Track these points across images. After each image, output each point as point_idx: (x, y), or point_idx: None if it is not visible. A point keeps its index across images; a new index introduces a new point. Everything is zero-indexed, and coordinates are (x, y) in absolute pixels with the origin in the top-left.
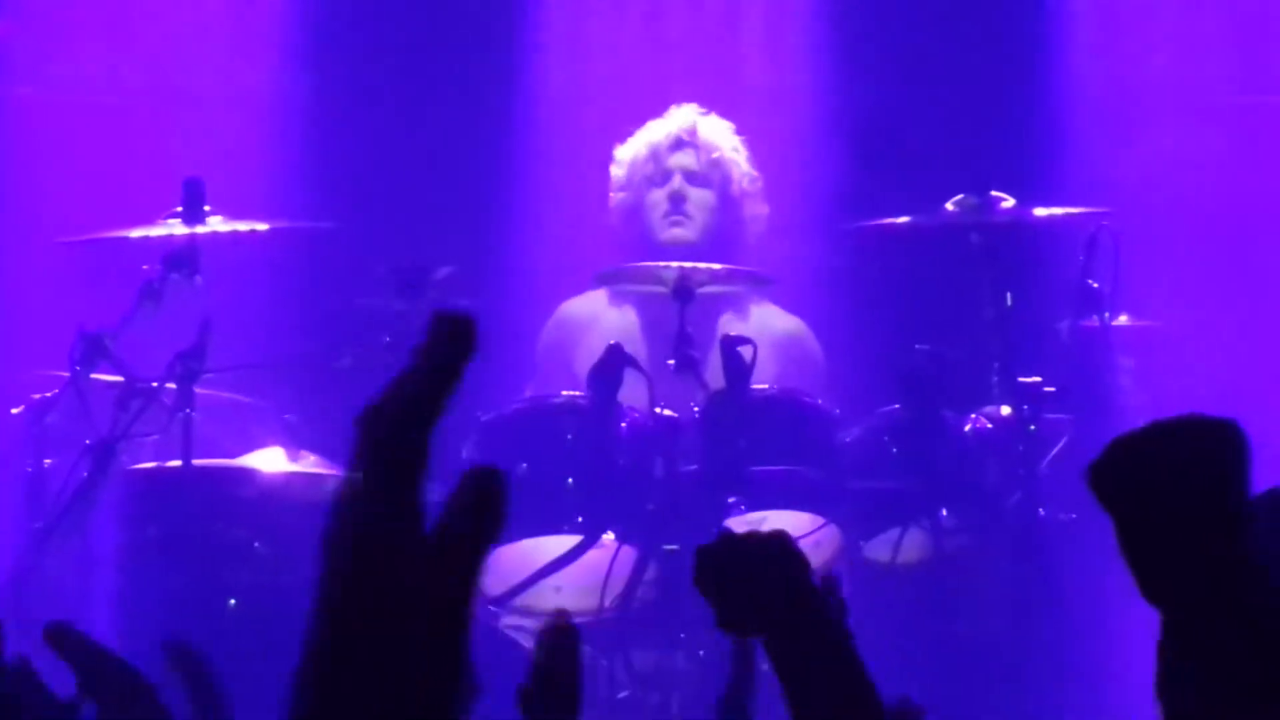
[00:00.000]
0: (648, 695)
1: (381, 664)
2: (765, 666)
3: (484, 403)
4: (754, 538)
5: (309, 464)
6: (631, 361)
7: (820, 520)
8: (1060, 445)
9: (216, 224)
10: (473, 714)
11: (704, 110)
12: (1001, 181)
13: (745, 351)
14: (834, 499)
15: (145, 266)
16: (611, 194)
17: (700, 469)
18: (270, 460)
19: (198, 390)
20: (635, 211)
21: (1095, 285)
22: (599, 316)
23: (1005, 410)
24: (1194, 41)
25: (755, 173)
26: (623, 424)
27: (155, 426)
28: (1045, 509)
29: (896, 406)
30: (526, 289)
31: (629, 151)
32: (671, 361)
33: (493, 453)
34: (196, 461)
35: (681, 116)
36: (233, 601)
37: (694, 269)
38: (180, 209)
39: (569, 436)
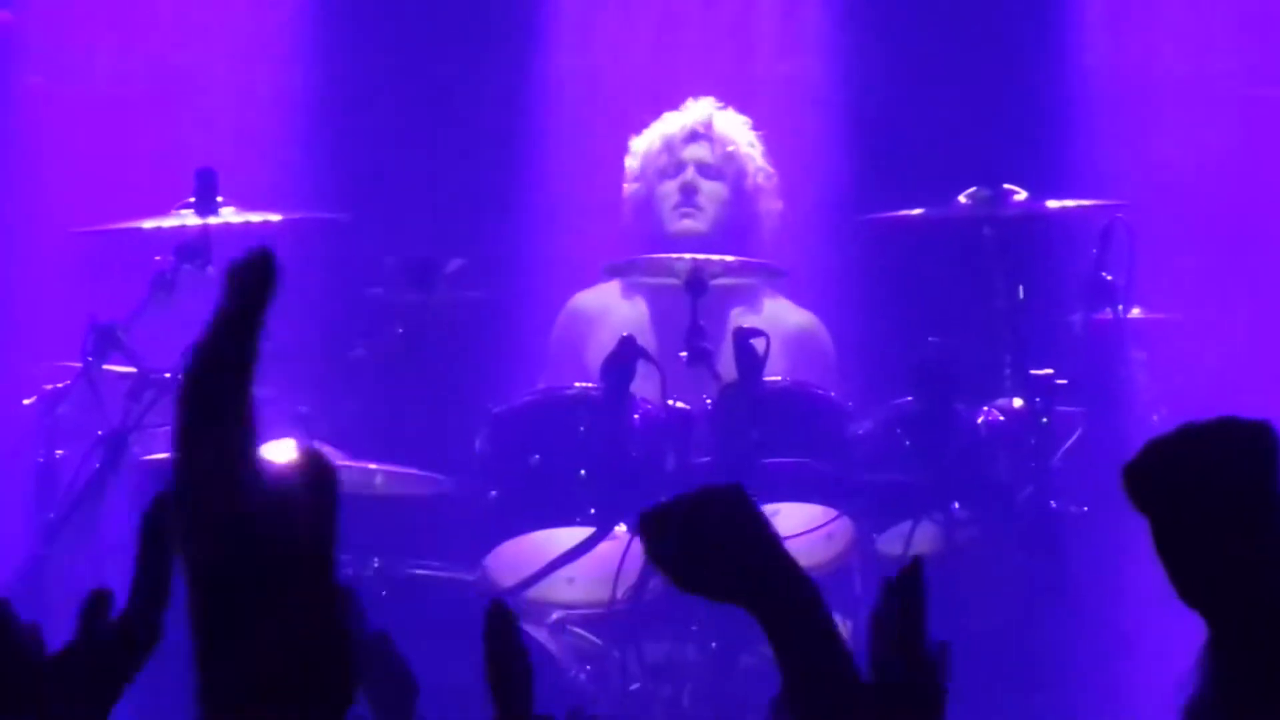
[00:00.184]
0: (659, 687)
1: (252, 619)
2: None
3: (496, 394)
4: (703, 495)
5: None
6: (644, 353)
7: (832, 513)
8: (1073, 438)
9: (229, 215)
10: (415, 713)
11: (721, 104)
12: (1014, 174)
13: (758, 344)
14: (846, 491)
15: (158, 257)
16: (625, 185)
17: (712, 461)
18: (282, 451)
19: None
20: (647, 202)
21: (1108, 278)
22: (610, 309)
23: (1017, 403)
24: (1206, 33)
25: (770, 168)
26: (635, 416)
27: (167, 417)
28: (1057, 502)
29: (909, 399)
30: (537, 281)
31: (643, 143)
32: (684, 354)
33: (505, 445)
34: None
35: (698, 110)
36: None
37: (707, 261)
38: (193, 199)
39: (581, 428)
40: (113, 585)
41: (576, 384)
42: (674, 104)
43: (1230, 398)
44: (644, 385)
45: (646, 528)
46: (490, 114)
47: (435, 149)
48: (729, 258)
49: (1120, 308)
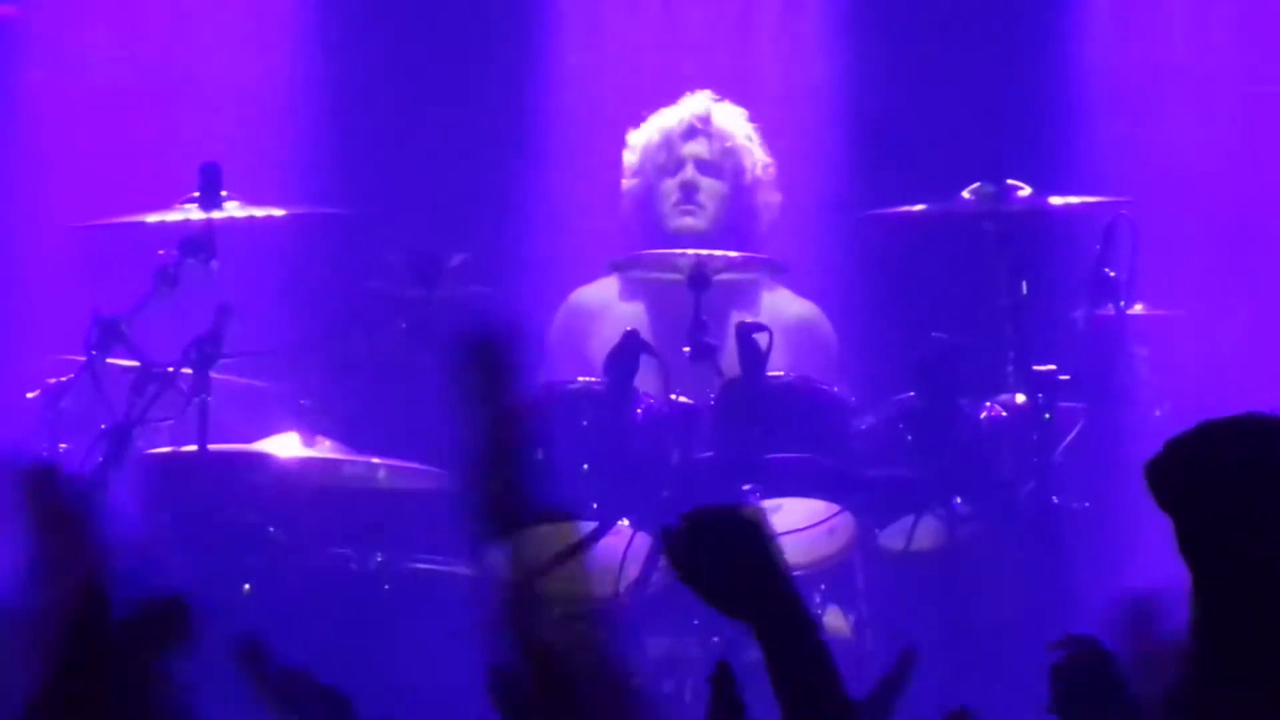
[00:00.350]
0: (661, 682)
1: None
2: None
3: None
4: (723, 515)
5: (324, 449)
6: (647, 348)
7: (835, 508)
8: (1074, 434)
9: (233, 209)
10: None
11: (717, 97)
12: (1018, 170)
13: (761, 339)
14: (849, 486)
15: (161, 251)
16: (623, 180)
17: (715, 456)
18: (285, 445)
19: (213, 375)
20: (646, 199)
21: (1111, 274)
22: (612, 304)
23: (1020, 398)
24: (1210, 30)
25: (769, 159)
26: (638, 411)
27: (171, 411)
28: (1059, 497)
29: (911, 394)
30: (540, 276)
31: (641, 138)
32: (687, 349)
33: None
34: (212, 446)
35: (695, 104)
36: (247, 586)
37: (709, 256)
38: (197, 194)
39: (584, 423)
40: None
41: (580, 378)
42: (677, 99)
43: (1232, 393)
44: (647, 380)
45: (670, 544)
46: (493, 109)
47: (438, 144)
48: (731, 253)
49: (1123, 304)
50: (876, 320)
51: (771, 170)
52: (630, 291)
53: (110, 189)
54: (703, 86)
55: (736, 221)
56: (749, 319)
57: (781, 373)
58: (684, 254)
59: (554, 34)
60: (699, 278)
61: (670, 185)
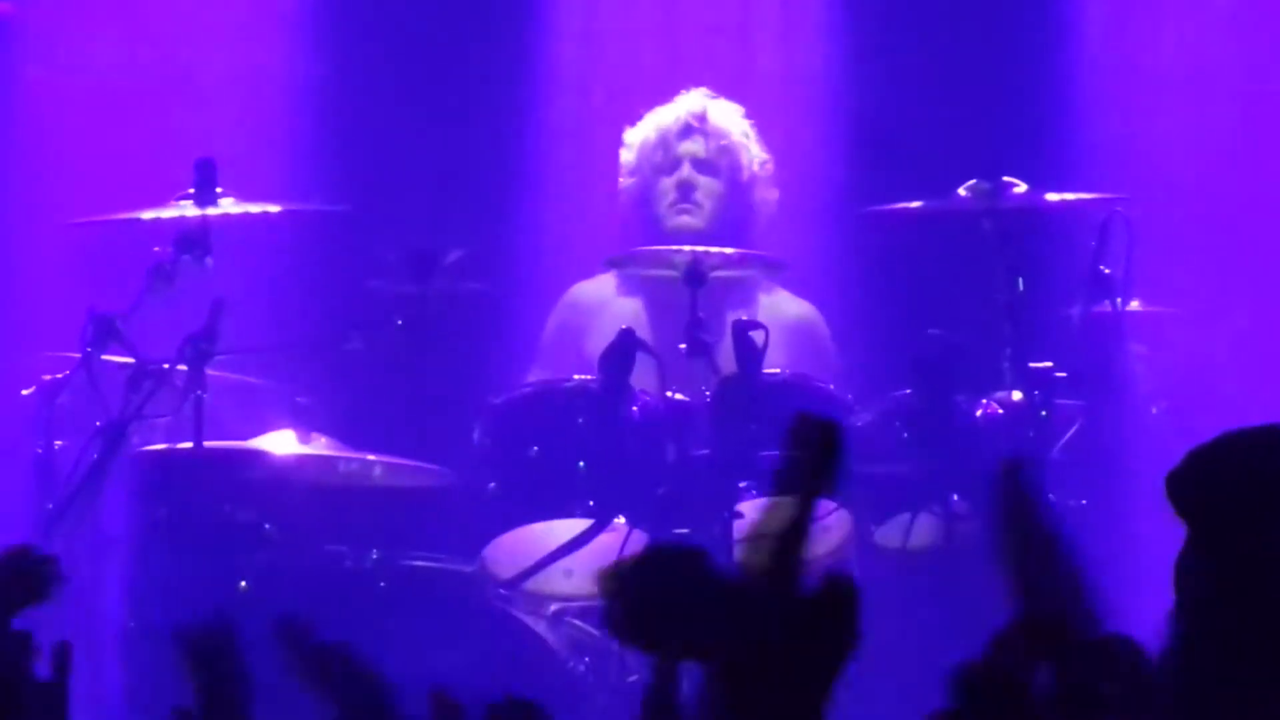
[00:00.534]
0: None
1: None
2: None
3: (495, 386)
4: (669, 553)
5: (320, 446)
6: (643, 346)
7: (831, 505)
8: (1071, 431)
9: (228, 206)
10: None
11: (713, 95)
12: (1014, 167)
13: (757, 336)
14: (845, 483)
15: (157, 248)
16: (620, 178)
17: (711, 453)
18: (281, 442)
19: (209, 372)
20: (643, 197)
21: (1107, 271)
22: (609, 300)
23: (1017, 396)
24: (1206, 28)
25: (765, 155)
26: (634, 408)
27: (166, 408)
28: (1056, 495)
29: (908, 391)
30: (536, 273)
31: (638, 135)
32: (683, 346)
33: (504, 436)
34: (207, 443)
35: (691, 102)
36: (243, 583)
37: (705, 253)
38: (192, 190)
39: (580, 420)
40: (110, 575)
41: (576, 376)
42: (674, 96)
43: (1229, 390)
44: (643, 377)
45: (608, 587)
46: (490, 106)
47: (434, 140)
48: (728, 250)
49: (1119, 301)
50: (873, 317)
51: (768, 167)
52: (627, 288)
53: (106, 185)
54: (700, 83)
55: (733, 219)
56: (745, 316)
57: (778, 370)
58: (680, 251)
59: (551, 30)
60: (695, 275)
61: (667, 184)
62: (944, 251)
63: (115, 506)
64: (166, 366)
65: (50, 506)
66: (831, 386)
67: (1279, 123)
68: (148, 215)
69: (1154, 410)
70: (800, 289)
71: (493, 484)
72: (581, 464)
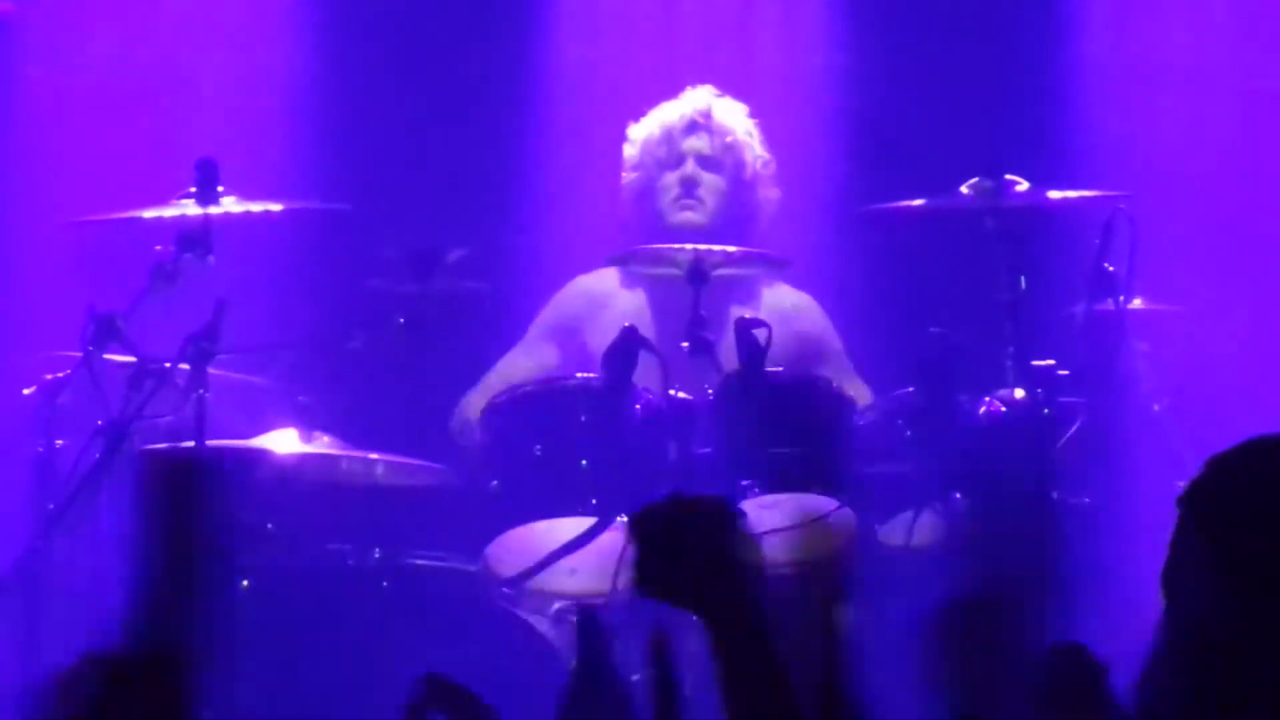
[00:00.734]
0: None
1: None
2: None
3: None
4: (699, 505)
5: (322, 445)
6: (646, 344)
7: (834, 503)
8: (1074, 429)
9: (230, 204)
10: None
11: (718, 92)
12: (1016, 165)
13: (759, 334)
14: (847, 482)
15: (158, 247)
16: (623, 173)
17: (714, 452)
18: (283, 441)
19: (210, 371)
20: (646, 193)
21: (1110, 269)
22: (611, 296)
23: (1019, 394)
24: (1211, 25)
25: (768, 155)
26: (636, 406)
27: (168, 408)
28: (1058, 493)
29: (910, 390)
30: (537, 271)
31: (642, 131)
32: (686, 344)
33: (506, 433)
34: (209, 443)
35: (696, 98)
36: (245, 583)
37: (708, 251)
38: (194, 189)
39: (583, 418)
40: (111, 577)
41: (578, 374)
42: (676, 94)
43: (1232, 389)
44: (645, 375)
45: (640, 529)
46: (492, 104)
47: (435, 139)
48: (730, 248)
49: (1122, 299)
50: (875, 316)
51: (771, 166)
52: (629, 286)
53: (107, 184)
54: (702, 81)
55: (736, 216)
56: (748, 314)
57: (780, 368)
58: (683, 249)
59: (552, 27)
60: (698, 273)
61: (670, 180)
62: (946, 250)
63: (116, 506)
64: (168, 366)
65: (51, 506)
66: (835, 384)
67: None
68: (149, 214)
69: (1156, 408)
70: (802, 287)
71: (495, 482)
72: (584, 462)
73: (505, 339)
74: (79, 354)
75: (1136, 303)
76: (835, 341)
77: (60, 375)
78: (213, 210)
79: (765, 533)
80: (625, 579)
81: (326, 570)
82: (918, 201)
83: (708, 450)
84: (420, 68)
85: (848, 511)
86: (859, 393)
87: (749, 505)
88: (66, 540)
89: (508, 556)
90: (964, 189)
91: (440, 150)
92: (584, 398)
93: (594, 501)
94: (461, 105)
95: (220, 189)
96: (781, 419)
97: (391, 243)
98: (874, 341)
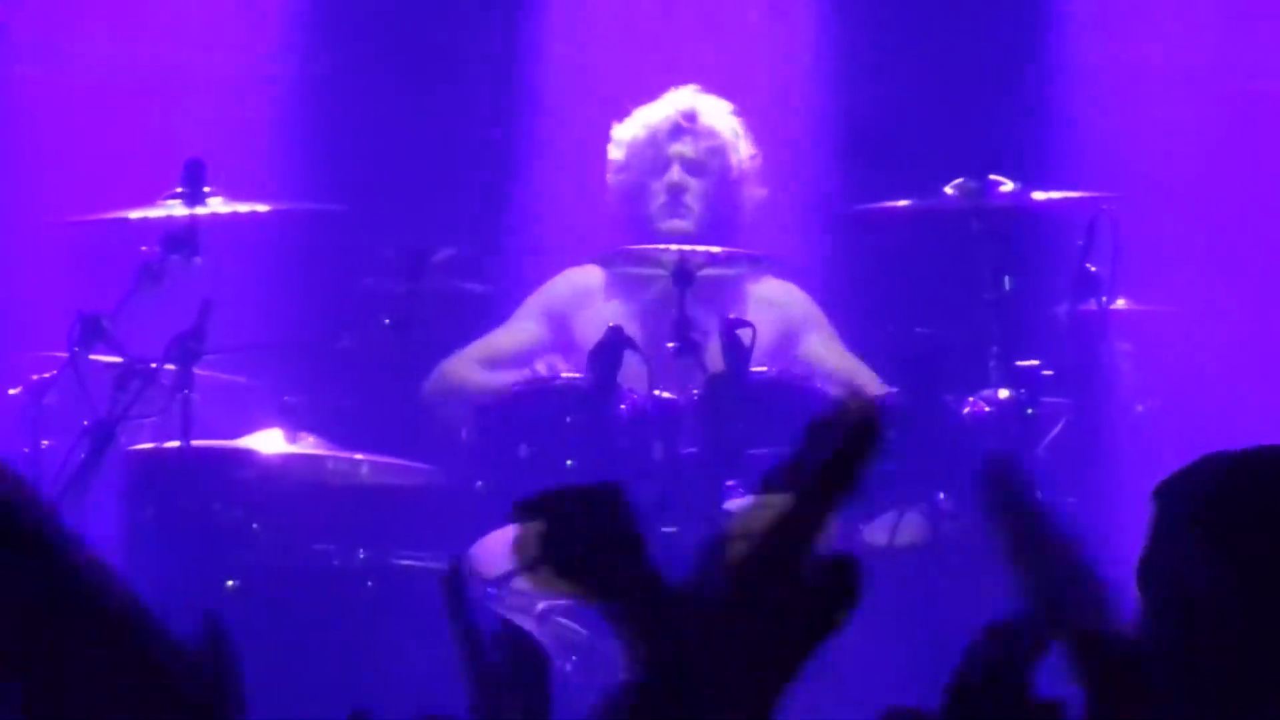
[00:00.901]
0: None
1: None
2: None
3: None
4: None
5: (308, 445)
6: (631, 344)
7: None
8: (1058, 429)
9: (217, 205)
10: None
11: (702, 90)
12: (1001, 166)
13: (745, 335)
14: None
15: (145, 247)
16: (609, 175)
17: (699, 452)
18: (269, 442)
19: (197, 372)
20: (633, 196)
21: (1094, 269)
22: (599, 294)
23: (1003, 394)
24: (1195, 26)
25: (754, 149)
26: (622, 406)
27: (154, 408)
28: (1043, 493)
29: (895, 390)
30: (525, 271)
31: (627, 133)
32: (671, 344)
33: (492, 434)
34: (195, 443)
35: (680, 99)
36: (231, 582)
37: (694, 252)
38: (181, 190)
39: (568, 419)
40: None
41: (564, 374)
42: (665, 91)
43: (1215, 389)
44: (631, 376)
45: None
46: (481, 104)
47: (424, 139)
48: (715, 249)
49: (1106, 299)
50: (860, 316)
51: (757, 161)
52: (615, 286)
53: (94, 185)
54: (689, 80)
55: (722, 217)
56: (734, 314)
57: (765, 368)
58: (668, 250)
59: (542, 28)
60: (683, 273)
61: (658, 186)
62: (931, 250)
63: (102, 506)
64: (154, 366)
65: None
66: (820, 384)
67: (1266, 122)
68: (136, 215)
69: (1140, 409)
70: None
71: (480, 483)
72: (570, 462)
73: None
74: (65, 354)
75: (1120, 303)
76: (823, 321)
77: (46, 375)
78: (199, 211)
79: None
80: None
81: (312, 571)
82: (903, 202)
83: (693, 450)
84: (408, 67)
85: None
86: (855, 368)
87: (734, 506)
88: None
89: (492, 557)
90: (949, 189)
91: (428, 150)
92: (570, 398)
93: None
94: (450, 105)
95: (207, 189)
96: (767, 419)
97: (379, 243)
98: (859, 341)
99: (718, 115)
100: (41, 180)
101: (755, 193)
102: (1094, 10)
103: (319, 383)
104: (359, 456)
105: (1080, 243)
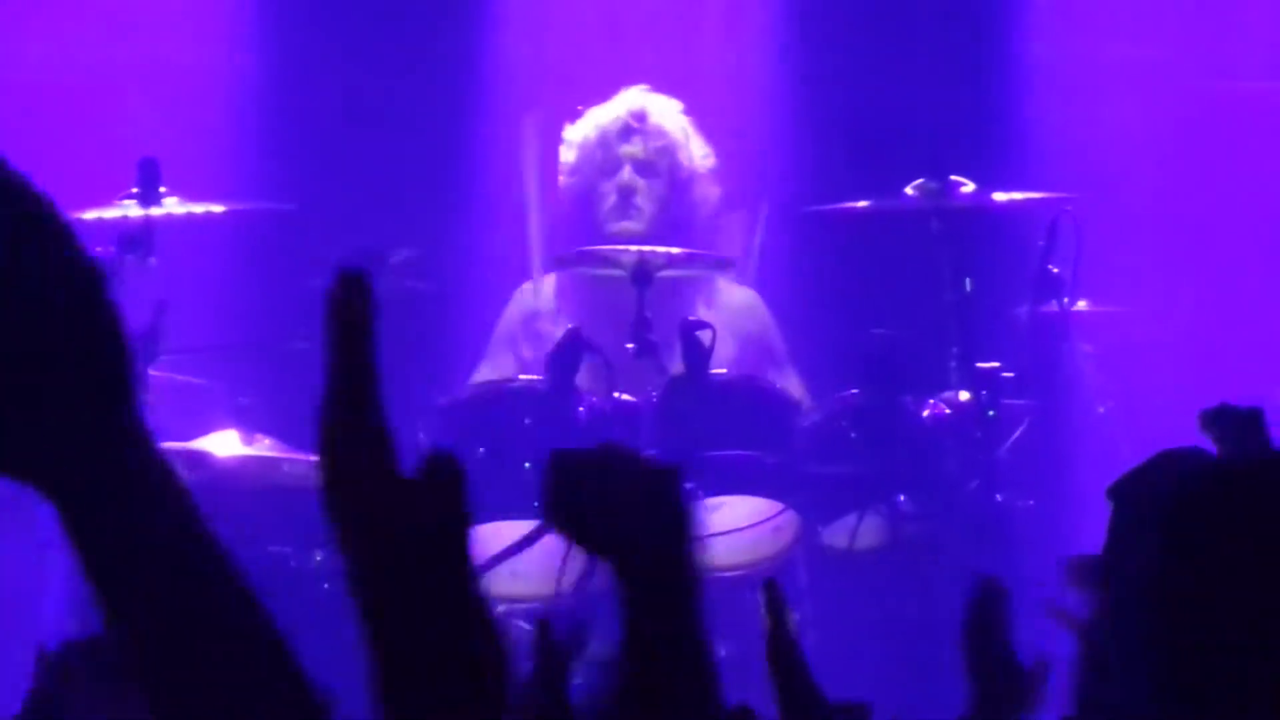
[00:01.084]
0: (603, 680)
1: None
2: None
3: (440, 387)
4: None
5: (263, 447)
6: (589, 346)
7: (778, 505)
8: (1019, 431)
9: (172, 205)
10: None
11: (652, 90)
12: (961, 166)
13: (704, 336)
14: (792, 484)
15: (99, 248)
16: (561, 176)
17: (659, 454)
18: (224, 443)
19: (152, 373)
20: (585, 198)
21: (1055, 270)
22: (558, 299)
23: (964, 395)
24: (1156, 26)
25: (707, 149)
26: (580, 409)
27: None
28: (1003, 495)
29: (855, 391)
30: (483, 272)
31: (578, 134)
32: (630, 346)
33: (450, 437)
34: None
35: (630, 100)
36: None
37: (652, 253)
38: (135, 190)
39: (526, 421)
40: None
41: (521, 376)
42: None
43: (1176, 390)
44: (590, 377)
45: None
46: (437, 104)
47: (380, 139)
48: (674, 249)
49: (1066, 300)
50: (820, 317)
51: (710, 160)
52: (573, 288)
53: (47, 185)
54: (646, 79)
55: (674, 217)
56: (692, 316)
57: (725, 370)
58: (626, 250)
59: (496, 26)
60: (642, 274)
61: (608, 188)
62: (891, 251)
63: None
64: None
65: None
66: (779, 386)
67: (1226, 122)
68: (90, 215)
69: (1101, 410)
70: (744, 284)
71: None
72: (528, 464)
73: (450, 340)
74: None
75: (1081, 304)
76: (778, 341)
77: None
78: (154, 211)
79: (711, 535)
80: (570, 582)
81: (268, 573)
82: (863, 202)
83: (653, 452)
84: (364, 67)
85: (793, 514)
86: (798, 394)
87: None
88: (7, 542)
89: None
90: (909, 190)
91: (384, 150)
92: (528, 400)
93: (537, 504)
94: (406, 105)
95: (162, 189)
96: (726, 421)
97: (335, 243)
98: (819, 342)
99: (667, 115)
100: None
101: (709, 192)
102: (1055, 10)
103: (275, 384)
104: (315, 458)
105: (1041, 244)
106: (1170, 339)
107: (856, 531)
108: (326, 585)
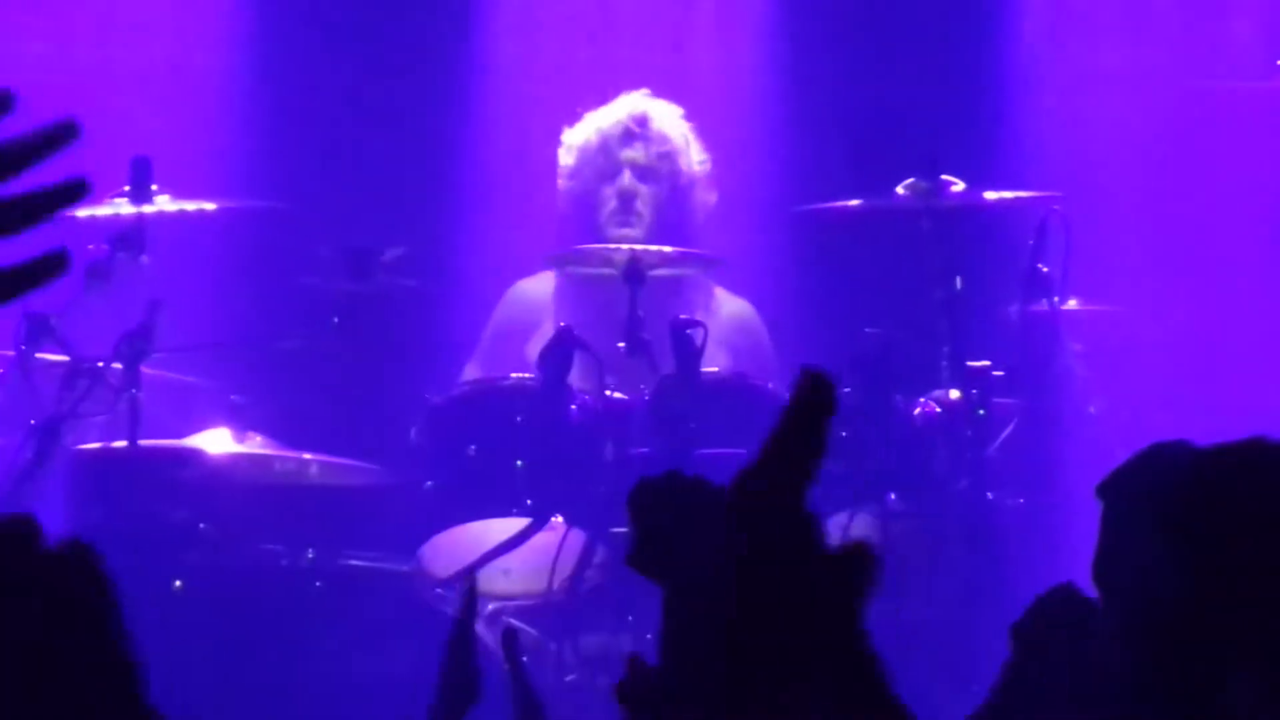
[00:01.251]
0: (595, 678)
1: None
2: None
3: (432, 384)
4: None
5: (255, 445)
6: (581, 344)
7: None
8: (1009, 430)
9: (164, 203)
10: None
11: (653, 95)
12: (952, 165)
13: (695, 334)
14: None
15: (91, 246)
16: (560, 180)
17: (650, 452)
18: (216, 441)
19: (144, 370)
20: (584, 202)
21: (1045, 269)
22: (550, 298)
23: (954, 394)
24: (1146, 26)
25: (705, 154)
26: (572, 407)
27: (101, 407)
28: (993, 493)
29: (845, 390)
30: (474, 271)
31: (578, 138)
32: (622, 344)
33: (441, 435)
34: (143, 442)
35: (631, 104)
36: (178, 583)
37: (645, 252)
38: (127, 188)
39: (518, 419)
40: None
41: (514, 374)
42: (613, 93)
43: (1166, 389)
44: (582, 376)
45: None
46: (429, 102)
47: (372, 138)
48: (667, 249)
49: (1057, 299)
50: (811, 316)
51: (707, 166)
52: (566, 287)
53: (40, 183)
54: (639, 80)
55: (673, 221)
56: (684, 315)
57: (716, 369)
58: (619, 249)
59: (490, 26)
60: (634, 273)
61: (608, 193)
62: (882, 250)
63: (49, 505)
64: (101, 365)
65: None
66: (770, 385)
67: (1215, 121)
68: (83, 213)
69: (1091, 409)
70: (739, 287)
71: (430, 483)
72: (519, 463)
73: (442, 337)
74: (12, 353)
75: (1071, 303)
76: (770, 358)
77: None
78: (147, 209)
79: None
80: (562, 580)
81: (260, 571)
82: (854, 202)
83: (644, 450)
84: (357, 66)
85: None
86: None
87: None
88: None
89: (442, 557)
90: (900, 189)
91: (377, 149)
92: (520, 398)
93: (529, 502)
94: (399, 103)
95: (154, 187)
96: (717, 419)
97: (327, 241)
98: (810, 341)
99: (669, 120)
100: None
101: (707, 197)
102: (1046, 9)
103: (267, 382)
104: (307, 456)
105: (1031, 242)
106: (1160, 338)
107: (847, 530)
108: (318, 583)
